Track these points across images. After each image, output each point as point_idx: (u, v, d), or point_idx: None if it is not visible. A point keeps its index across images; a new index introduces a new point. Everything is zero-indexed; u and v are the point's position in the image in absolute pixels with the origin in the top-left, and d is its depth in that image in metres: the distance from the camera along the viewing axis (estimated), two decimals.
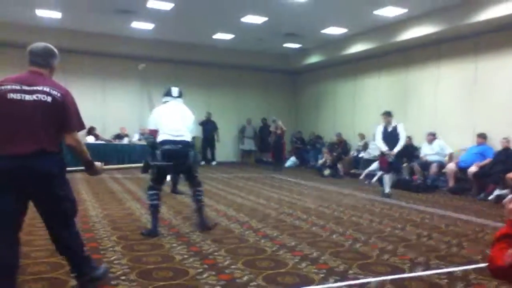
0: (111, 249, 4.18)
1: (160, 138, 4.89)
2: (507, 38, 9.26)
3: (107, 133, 13.86)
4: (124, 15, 10.93)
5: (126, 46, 13.56)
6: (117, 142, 13.16)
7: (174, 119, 4.95)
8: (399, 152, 8.19)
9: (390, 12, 9.95)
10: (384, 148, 8.15)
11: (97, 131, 13.47)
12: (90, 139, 12.86)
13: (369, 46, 11.98)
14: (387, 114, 8.31)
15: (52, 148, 2.77)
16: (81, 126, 2.95)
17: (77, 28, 12.58)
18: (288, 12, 10.23)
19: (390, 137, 8.16)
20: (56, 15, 11.10)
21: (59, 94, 2.78)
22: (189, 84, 15.43)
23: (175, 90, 5.21)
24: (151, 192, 4.86)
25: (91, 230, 4.93)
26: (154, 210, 4.82)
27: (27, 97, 2.70)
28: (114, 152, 12.72)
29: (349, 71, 14.14)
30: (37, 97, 2.71)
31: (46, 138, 2.73)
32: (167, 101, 5.16)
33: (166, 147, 4.81)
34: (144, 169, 3.76)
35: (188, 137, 4.95)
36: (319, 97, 15.82)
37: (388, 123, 8.25)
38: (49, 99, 2.74)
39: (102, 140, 13.14)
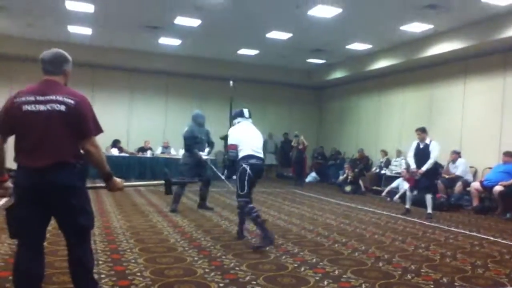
0: (134, 261, 4.23)
1: (244, 153, 5.14)
2: None
3: (131, 146, 14.11)
4: (152, 31, 11.22)
5: (152, 62, 13.88)
6: (140, 155, 13.36)
7: (255, 137, 5.33)
8: (429, 171, 7.86)
9: (416, 28, 9.92)
10: (413, 165, 7.99)
11: (121, 144, 13.72)
12: (114, 152, 13.10)
13: (394, 62, 11.94)
14: (421, 130, 8.04)
15: (72, 159, 2.71)
16: (98, 130, 2.83)
17: (106, 44, 12.97)
18: (313, 28, 10.30)
19: (422, 154, 7.92)
20: (87, 31, 11.47)
21: (73, 102, 2.69)
22: (213, 98, 15.67)
23: (246, 112, 5.54)
24: (250, 205, 5.03)
25: (114, 242, 5.01)
26: (261, 220, 4.96)
27: (42, 108, 2.65)
28: (137, 164, 12.92)
29: (373, 87, 14.09)
30: (51, 107, 2.65)
31: (65, 149, 2.69)
32: (240, 122, 5.47)
33: (253, 161, 5.10)
34: (168, 189, 3.65)
35: (263, 155, 5.30)
36: (342, 112, 15.78)
37: (422, 139, 7.98)
38: (63, 108, 2.66)
39: (125, 152, 13.36)
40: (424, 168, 7.81)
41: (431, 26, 9.78)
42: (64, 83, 2.84)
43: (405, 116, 12.49)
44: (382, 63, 12.37)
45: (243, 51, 13.10)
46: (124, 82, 14.64)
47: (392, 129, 12.89)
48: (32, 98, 2.67)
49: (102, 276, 3.71)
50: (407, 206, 8.24)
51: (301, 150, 13.47)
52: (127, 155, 13.16)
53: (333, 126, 16.27)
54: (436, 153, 7.87)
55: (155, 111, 15.02)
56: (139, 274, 3.82)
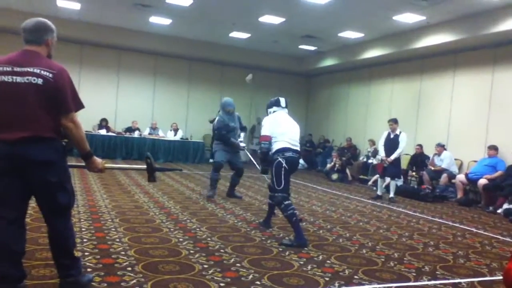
0: (118, 240, 4.21)
1: (279, 145, 4.78)
2: None
3: (118, 126, 13.97)
4: (143, 9, 11.01)
5: (142, 41, 13.67)
6: (127, 135, 13.23)
7: (292, 128, 4.94)
8: (396, 160, 8.41)
9: (408, 18, 9.90)
10: (382, 153, 8.57)
11: (109, 123, 13.59)
12: (102, 131, 12.96)
13: (384, 52, 11.94)
14: (394, 121, 8.61)
15: (50, 134, 2.61)
16: (78, 106, 2.71)
17: (94, 21, 12.71)
18: (306, 13, 10.22)
19: (391, 144, 8.46)
20: (76, 6, 11.21)
21: (50, 75, 2.57)
22: (201, 81, 15.57)
23: (283, 101, 5.14)
24: (287, 202, 4.68)
25: (99, 220, 4.97)
26: (297, 219, 4.66)
27: (19, 79, 2.54)
28: (124, 145, 12.81)
29: (363, 76, 14.10)
30: (27, 79, 2.54)
31: (42, 123, 2.58)
32: (276, 111, 5.09)
33: (289, 154, 4.75)
34: (151, 176, 3.26)
35: (299, 148, 4.97)
36: (331, 101, 15.79)
37: (393, 130, 8.52)
38: (40, 81, 2.55)
39: (112, 132, 13.23)
40: (392, 157, 8.38)
41: (424, 18, 9.77)
42: (47, 54, 2.72)
43: (394, 107, 12.54)
44: (373, 53, 12.35)
45: (234, 34, 12.95)
46: (113, 60, 14.41)
47: (380, 119, 12.93)
48: (9, 69, 2.56)
49: (86, 253, 3.68)
50: (379, 192, 8.77)
51: None
52: (114, 134, 13.03)
53: (322, 114, 16.28)
54: (404, 144, 8.43)
55: (144, 91, 14.86)
56: (123, 253, 3.80)
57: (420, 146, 10.68)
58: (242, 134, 7.36)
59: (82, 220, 4.89)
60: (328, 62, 14.43)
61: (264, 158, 4.91)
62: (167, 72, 15.14)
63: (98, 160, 2.89)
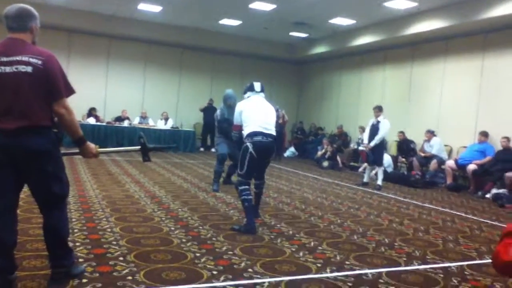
0: (109, 230, 4.19)
1: (249, 129, 4.69)
2: None
3: (108, 115, 13.86)
4: None
5: (132, 28, 13.51)
6: (117, 124, 13.13)
7: (263, 113, 4.82)
8: (377, 146, 8.47)
9: (400, 4, 9.87)
10: (365, 141, 8.69)
11: (98, 113, 13.46)
12: (91, 120, 12.85)
13: (376, 39, 11.92)
14: (378, 109, 8.68)
15: (44, 122, 2.59)
16: (69, 91, 2.67)
17: (82, 8, 12.50)
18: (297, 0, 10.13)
19: (374, 130, 8.54)
20: None
21: (40, 62, 2.53)
22: (192, 69, 15.46)
23: (257, 85, 5.04)
24: (243, 187, 4.63)
25: (89, 211, 4.94)
26: (249, 205, 4.59)
27: (8, 69, 2.50)
28: (114, 134, 12.72)
29: (354, 63, 14.09)
30: (16, 68, 2.50)
31: (37, 112, 2.56)
32: (250, 96, 5.00)
33: (258, 138, 4.63)
34: (145, 156, 3.39)
35: (274, 132, 4.84)
36: (323, 88, 15.77)
37: (376, 117, 8.59)
38: (29, 69, 2.51)
39: (102, 121, 13.12)
40: (372, 143, 8.45)
41: (415, 4, 9.74)
42: (31, 41, 2.67)
43: (385, 93, 12.57)
44: (364, 40, 12.33)
45: (225, 21, 12.84)
46: (102, 48, 14.24)
47: (372, 106, 12.93)
48: None
49: (77, 244, 3.66)
50: (365, 179, 8.87)
51: (281, 124, 13.42)
52: (104, 124, 12.92)
53: (314, 102, 16.28)
54: (384, 131, 8.46)
55: (134, 80, 14.72)
56: (114, 243, 3.79)
57: (402, 132, 10.80)
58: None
59: (72, 210, 4.86)
60: (320, 49, 14.38)
61: (239, 146, 4.91)
62: (157, 60, 15.01)
63: (91, 145, 2.88)
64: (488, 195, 8.03)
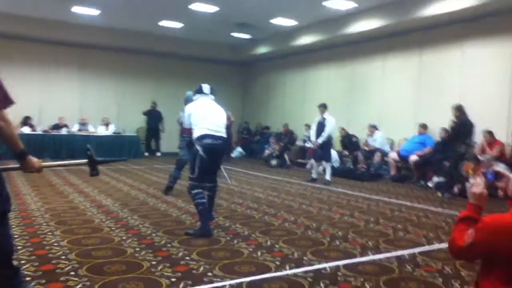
0: (56, 244, 3.95)
1: (198, 133, 4.57)
2: (449, 34, 9.66)
3: (45, 123, 13.15)
4: None
5: (67, 32, 12.88)
6: (55, 132, 12.49)
7: (212, 115, 4.71)
8: (324, 142, 8.67)
9: (339, 4, 10.08)
10: (313, 138, 8.88)
11: (33, 121, 12.74)
12: (26, 130, 12.14)
13: (318, 38, 12.13)
14: (323, 106, 8.90)
15: None
16: (7, 102, 2.48)
17: (12, 12, 11.76)
18: (238, 0, 10.11)
19: (321, 128, 8.75)
20: None
21: None
22: (133, 73, 15.04)
23: (206, 87, 4.93)
24: (196, 190, 4.52)
25: (32, 225, 4.64)
26: (203, 208, 4.50)
27: None
28: (52, 143, 12.09)
29: (298, 63, 14.28)
30: None
31: None
32: (198, 99, 4.88)
33: (207, 141, 4.53)
34: (93, 170, 3.07)
35: (224, 134, 4.73)
36: (268, 88, 15.88)
37: (322, 114, 8.82)
38: None
39: (36, 130, 12.42)
40: (319, 140, 8.66)
41: (355, 5, 9.97)
42: None
43: (330, 92, 12.82)
44: (306, 39, 12.52)
45: (164, 23, 12.57)
46: (35, 54, 13.47)
47: (317, 104, 13.21)
48: None
49: (23, 262, 3.41)
50: (313, 175, 9.07)
51: (228, 125, 13.36)
52: (40, 133, 12.24)
53: (259, 102, 16.35)
54: (330, 127, 8.71)
55: (71, 86, 14.05)
56: (63, 257, 3.57)
57: (344, 129, 11.16)
58: None
59: (13, 226, 4.53)
60: (263, 49, 14.45)
61: (190, 149, 4.87)
62: (95, 64, 14.44)
63: (34, 159, 2.65)
64: (430, 184, 8.42)
